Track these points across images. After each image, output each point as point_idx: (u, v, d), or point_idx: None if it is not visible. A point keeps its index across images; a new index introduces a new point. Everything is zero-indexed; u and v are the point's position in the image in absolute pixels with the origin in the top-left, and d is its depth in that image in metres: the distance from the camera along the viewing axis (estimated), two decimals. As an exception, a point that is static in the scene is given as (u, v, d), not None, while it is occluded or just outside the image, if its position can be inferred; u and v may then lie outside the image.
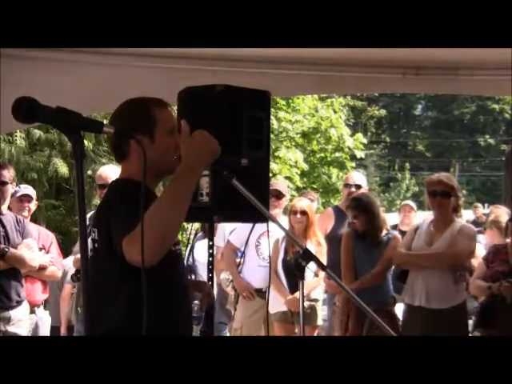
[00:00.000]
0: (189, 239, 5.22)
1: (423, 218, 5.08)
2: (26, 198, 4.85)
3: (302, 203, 5.12)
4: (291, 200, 5.43)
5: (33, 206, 4.90)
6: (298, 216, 5.02)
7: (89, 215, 4.37)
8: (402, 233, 5.52)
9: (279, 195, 5.20)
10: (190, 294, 2.48)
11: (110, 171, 4.45)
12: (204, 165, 2.14)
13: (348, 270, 4.48)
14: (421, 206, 8.90)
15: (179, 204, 2.00)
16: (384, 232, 4.57)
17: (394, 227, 7.24)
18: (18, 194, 4.79)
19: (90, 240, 2.20)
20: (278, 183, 5.82)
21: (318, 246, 4.98)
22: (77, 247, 4.74)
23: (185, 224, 4.46)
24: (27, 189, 4.98)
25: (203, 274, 3.75)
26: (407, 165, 29.62)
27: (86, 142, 10.14)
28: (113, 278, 2.13)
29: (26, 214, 4.80)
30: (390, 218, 7.93)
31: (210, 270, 2.95)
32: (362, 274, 4.47)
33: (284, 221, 5.03)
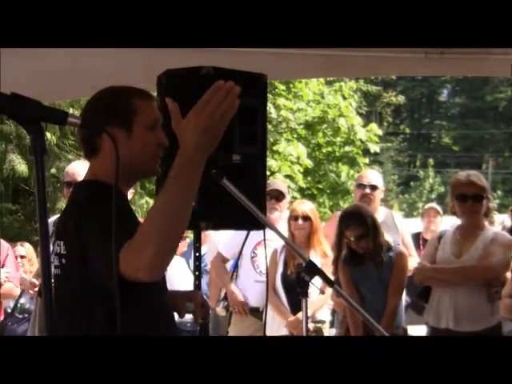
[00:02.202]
0: None
1: (449, 223, 5.08)
2: None
3: (303, 206, 5.13)
4: (291, 203, 5.43)
5: None
6: (300, 222, 5.02)
7: (52, 219, 4.38)
8: (427, 242, 5.53)
9: (279, 196, 5.22)
10: (180, 307, 2.49)
11: (80, 167, 4.43)
12: (206, 152, 1.96)
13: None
14: (447, 210, 8.92)
15: (184, 204, 1.94)
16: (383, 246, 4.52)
17: (417, 236, 7.26)
18: None
19: (53, 254, 2.20)
20: (278, 182, 5.84)
21: (323, 257, 4.98)
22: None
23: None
24: None
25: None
26: (431, 161, 29.71)
27: (48, 134, 10.16)
28: (85, 298, 2.14)
29: None
30: (411, 225, 7.96)
31: (198, 286, 2.96)
32: (372, 304, 4.44)
33: (284, 227, 5.03)
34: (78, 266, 2.11)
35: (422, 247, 6.86)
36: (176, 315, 2.50)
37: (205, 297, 2.74)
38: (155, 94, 2.76)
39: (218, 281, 5.41)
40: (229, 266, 5.49)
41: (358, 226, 4.42)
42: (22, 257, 6.30)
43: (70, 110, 8.89)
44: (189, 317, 2.64)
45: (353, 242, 4.45)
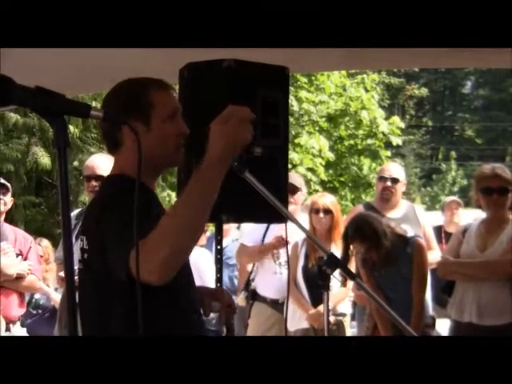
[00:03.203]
0: None
1: (472, 217, 5.04)
2: (1, 189, 4.86)
3: (324, 200, 5.12)
4: (310, 194, 5.42)
5: (8, 200, 4.90)
6: (321, 215, 5.02)
7: (74, 213, 4.40)
8: (449, 235, 5.49)
9: (293, 189, 5.20)
10: (206, 306, 2.48)
11: (100, 161, 4.45)
12: (232, 153, 2.05)
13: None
14: (468, 203, 8.84)
15: (203, 204, 1.98)
16: (397, 243, 4.45)
17: (438, 229, 7.21)
18: None
19: (77, 248, 2.21)
20: (292, 176, 5.81)
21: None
22: (60, 252, 4.76)
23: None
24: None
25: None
26: (453, 153, 29.50)
27: (71, 127, 10.22)
28: (105, 294, 2.15)
29: (1, 208, 4.81)
30: (433, 218, 7.91)
31: (219, 279, 2.95)
32: (396, 299, 4.41)
33: (303, 220, 5.02)
34: (99, 262, 2.11)
35: (444, 240, 6.82)
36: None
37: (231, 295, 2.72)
38: (177, 87, 2.76)
39: (253, 256, 5.38)
40: None
41: (360, 241, 4.38)
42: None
43: (93, 103, 8.93)
44: (214, 315, 2.63)
45: (362, 254, 4.42)
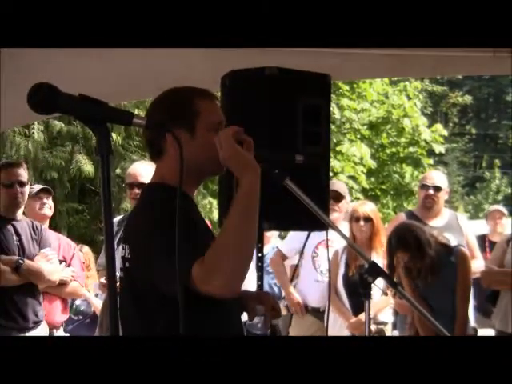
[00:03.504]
0: None
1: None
2: (45, 193, 4.95)
3: (365, 207, 5.09)
4: (351, 202, 5.40)
5: (52, 204, 5.00)
6: (361, 223, 4.99)
7: (116, 219, 4.44)
8: (494, 244, 5.42)
9: (338, 197, 5.18)
10: (250, 310, 2.50)
11: (142, 168, 4.47)
12: (247, 162, 2.14)
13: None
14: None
15: (254, 217, 2.09)
16: (440, 252, 4.39)
17: (482, 238, 7.12)
18: (35, 191, 4.91)
19: (118, 256, 2.22)
20: (337, 183, 5.81)
21: (385, 258, 4.93)
22: (102, 259, 4.80)
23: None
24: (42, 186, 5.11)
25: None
26: (497, 161, 29.13)
27: (113, 135, 10.30)
28: (146, 304, 2.16)
29: (47, 212, 4.90)
30: (477, 227, 7.81)
31: (260, 286, 2.96)
32: (438, 309, 4.36)
33: (344, 228, 4.99)
34: (142, 273, 2.13)
35: (488, 249, 6.73)
36: (245, 316, 2.50)
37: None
38: (219, 94, 2.77)
39: (277, 278, 5.47)
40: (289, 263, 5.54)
41: (403, 250, 4.33)
42: None
43: (135, 111, 9.01)
44: (258, 318, 2.63)
45: (406, 263, 4.37)
